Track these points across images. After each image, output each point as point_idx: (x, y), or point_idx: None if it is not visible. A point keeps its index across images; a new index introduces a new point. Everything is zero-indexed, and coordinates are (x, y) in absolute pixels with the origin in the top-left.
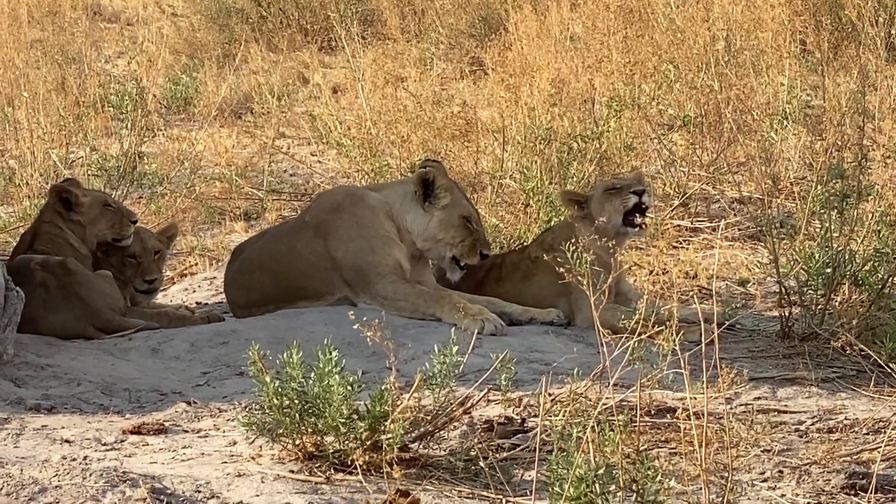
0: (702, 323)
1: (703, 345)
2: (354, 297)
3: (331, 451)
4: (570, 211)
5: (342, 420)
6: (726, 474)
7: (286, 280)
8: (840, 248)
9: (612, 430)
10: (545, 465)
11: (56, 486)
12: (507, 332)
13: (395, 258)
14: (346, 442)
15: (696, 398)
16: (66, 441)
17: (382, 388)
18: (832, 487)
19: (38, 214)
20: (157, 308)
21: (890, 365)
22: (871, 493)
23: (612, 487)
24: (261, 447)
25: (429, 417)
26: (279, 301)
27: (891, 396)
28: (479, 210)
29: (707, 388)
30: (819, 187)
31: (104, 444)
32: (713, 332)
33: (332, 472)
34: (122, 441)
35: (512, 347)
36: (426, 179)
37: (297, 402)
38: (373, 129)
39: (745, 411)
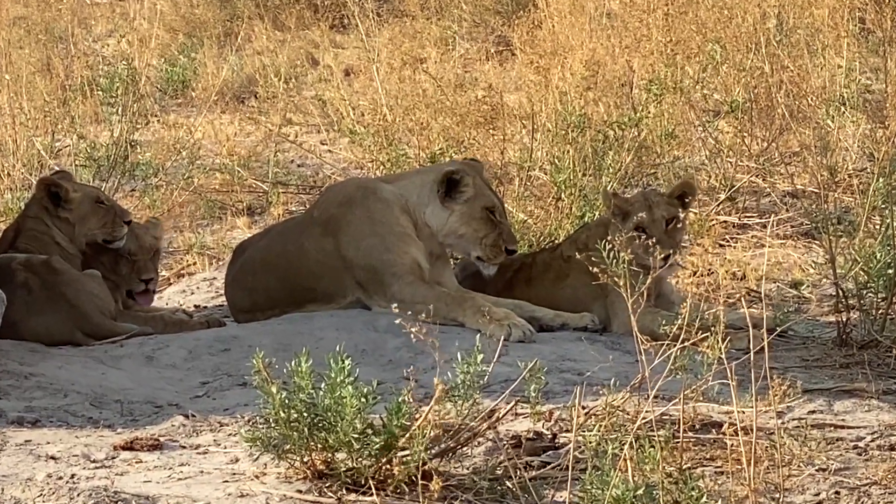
0: (750, 329)
1: (751, 353)
2: (368, 299)
3: (342, 469)
4: (606, 207)
5: (355, 435)
6: (777, 495)
7: (293, 281)
8: None
9: (652, 446)
10: (578, 485)
11: None
12: (536, 338)
13: (411, 257)
14: (360, 459)
15: (744, 412)
16: (52, 458)
17: (400, 399)
18: None
19: (22, 209)
20: (152, 312)
21: None
22: None
23: None
24: (266, 465)
25: (451, 432)
26: (285, 304)
27: None
28: (506, 204)
29: (756, 400)
30: (880, 180)
31: (93, 462)
32: (763, 340)
33: (344, 492)
34: (113, 458)
35: (542, 355)
36: (452, 178)
37: (305, 415)
38: (389, 115)
39: (798, 426)
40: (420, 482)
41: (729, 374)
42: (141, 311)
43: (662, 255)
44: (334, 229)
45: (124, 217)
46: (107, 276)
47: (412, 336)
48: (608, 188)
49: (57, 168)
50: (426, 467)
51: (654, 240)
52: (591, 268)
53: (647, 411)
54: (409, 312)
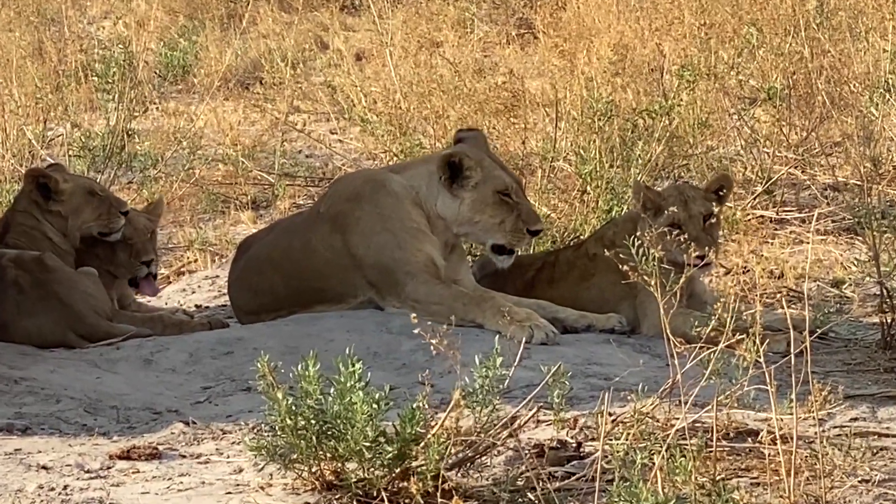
0: (791, 331)
1: (791, 356)
2: (380, 300)
3: (353, 480)
4: (636, 201)
5: (367, 444)
6: None
7: (300, 281)
8: None
9: (684, 456)
10: (605, 497)
11: None
12: (559, 340)
13: (425, 254)
14: (372, 469)
15: (782, 419)
16: (44, 468)
17: (414, 406)
18: None
19: (12, 203)
20: (151, 312)
21: None
22: None
23: None
24: (271, 475)
25: (468, 441)
26: (292, 305)
27: None
28: (529, 197)
29: (796, 407)
30: None
31: (88, 472)
32: (803, 342)
33: None
34: (109, 468)
35: (566, 359)
36: (452, 162)
37: (313, 422)
38: (403, 102)
39: (839, 434)
40: (438, 494)
41: (767, 379)
42: (138, 312)
43: (699, 255)
44: (343, 226)
45: (120, 207)
46: (104, 267)
47: (427, 339)
48: (638, 181)
49: (49, 159)
50: (442, 479)
51: (692, 237)
52: (618, 266)
53: (678, 418)
54: (425, 313)
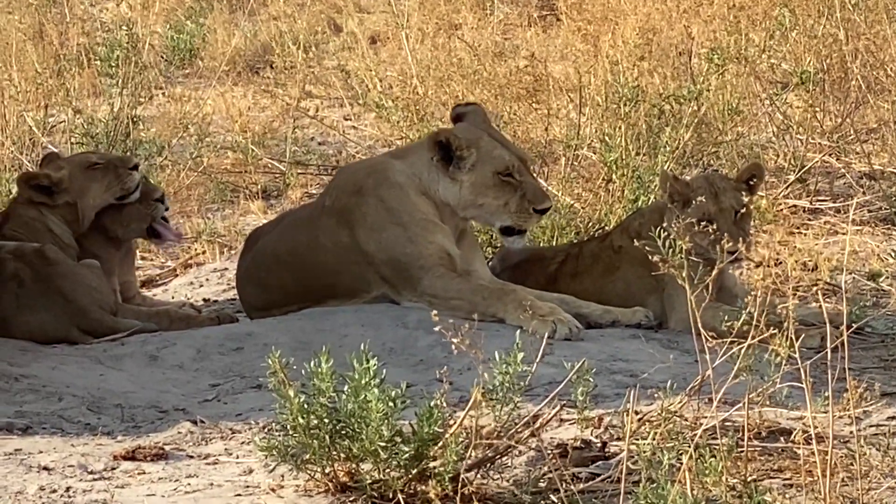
0: (828, 325)
1: (827, 352)
2: (395, 295)
3: (368, 481)
4: (663, 191)
5: (382, 444)
6: None
7: (310, 277)
8: None
9: (714, 456)
10: (631, 499)
11: None
12: (583, 336)
13: (438, 245)
14: (387, 470)
15: (816, 418)
16: (45, 468)
17: (432, 404)
18: None
19: (14, 196)
20: (156, 306)
21: None
22: None
23: None
24: (283, 476)
25: (488, 440)
26: (303, 301)
27: None
28: (551, 187)
29: (831, 405)
30: None
31: (91, 473)
32: (838, 337)
33: None
34: (114, 469)
35: (590, 355)
36: (440, 142)
37: (326, 421)
38: (420, 87)
39: (876, 434)
40: (457, 497)
41: (803, 376)
42: (143, 306)
43: (732, 249)
44: (349, 221)
45: (128, 164)
46: (117, 233)
47: (448, 339)
48: (666, 169)
49: (51, 147)
50: (461, 480)
51: (723, 231)
52: (645, 258)
53: (707, 417)
54: (444, 308)
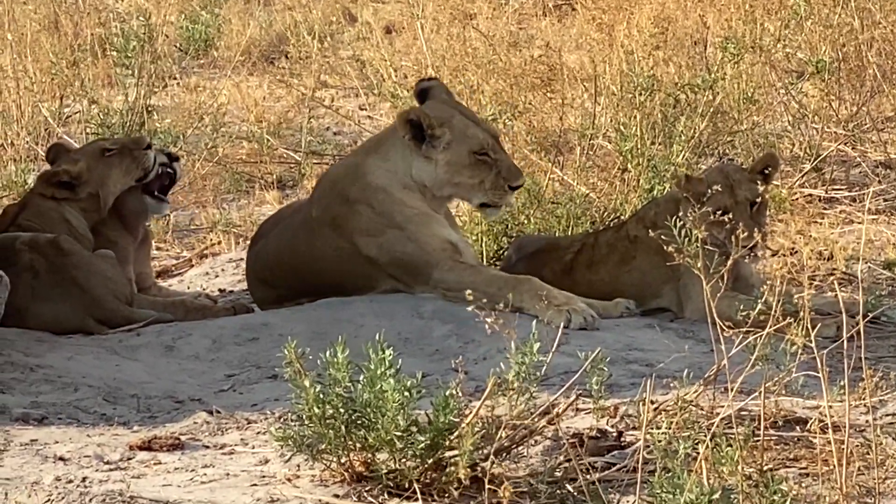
0: (843, 314)
1: (843, 341)
2: (408, 288)
3: (384, 471)
4: (676, 183)
5: (398, 433)
6: (871, 500)
7: (316, 280)
8: None
9: (730, 445)
10: (647, 488)
11: None
12: (599, 325)
13: (439, 237)
14: (403, 460)
15: (832, 407)
16: (61, 459)
17: (447, 393)
18: None
19: (32, 186)
20: (172, 296)
21: None
22: None
23: None
24: (298, 466)
25: (504, 430)
26: (313, 297)
27: None
28: (566, 176)
29: (847, 394)
30: None
31: (107, 463)
32: (854, 326)
33: (386, 496)
34: (129, 459)
35: (606, 344)
36: (411, 121)
37: (342, 411)
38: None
39: (892, 423)
40: (474, 485)
41: (819, 365)
42: (159, 296)
43: (749, 243)
44: (345, 229)
45: (141, 145)
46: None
47: (482, 318)
48: (679, 171)
49: (67, 137)
50: (478, 470)
51: (739, 224)
52: (661, 248)
53: (723, 406)
54: (459, 301)
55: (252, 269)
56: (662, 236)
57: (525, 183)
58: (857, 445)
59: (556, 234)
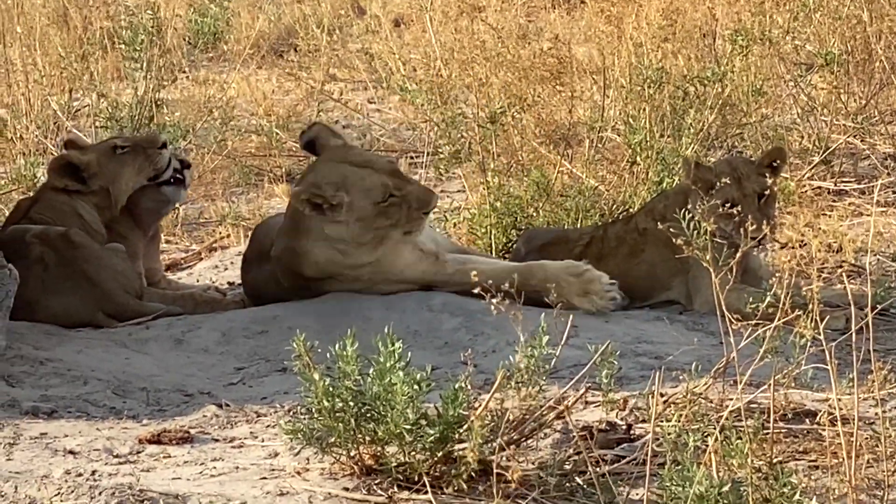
0: (852, 307)
1: (852, 333)
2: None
3: (393, 464)
4: (686, 177)
5: (407, 426)
6: (880, 492)
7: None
8: None
9: (739, 438)
10: (656, 481)
11: None
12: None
13: (415, 258)
14: (413, 453)
15: (842, 399)
16: (71, 452)
17: (457, 386)
18: None
19: (45, 181)
20: (182, 289)
21: None
22: None
23: None
24: (308, 460)
25: (514, 423)
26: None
27: None
28: (575, 169)
29: (856, 386)
30: None
31: (116, 457)
32: (863, 318)
33: (395, 489)
34: (139, 452)
35: (615, 337)
36: (307, 200)
37: (352, 404)
38: (443, 70)
39: None
40: (483, 478)
41: (828, 358)
42: (168, 289)
43: (757, 235)
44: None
45: (156, 143)
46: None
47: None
48: (688, 156)
49: (75, 131)
50: (487, 463)
51: (747, 216)
52: (670, 240)
53: (733, 399)
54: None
55: (252, 286)
56: (671, 229)
57: (437, 203)
58: (867, 438)
59: (565, 227)
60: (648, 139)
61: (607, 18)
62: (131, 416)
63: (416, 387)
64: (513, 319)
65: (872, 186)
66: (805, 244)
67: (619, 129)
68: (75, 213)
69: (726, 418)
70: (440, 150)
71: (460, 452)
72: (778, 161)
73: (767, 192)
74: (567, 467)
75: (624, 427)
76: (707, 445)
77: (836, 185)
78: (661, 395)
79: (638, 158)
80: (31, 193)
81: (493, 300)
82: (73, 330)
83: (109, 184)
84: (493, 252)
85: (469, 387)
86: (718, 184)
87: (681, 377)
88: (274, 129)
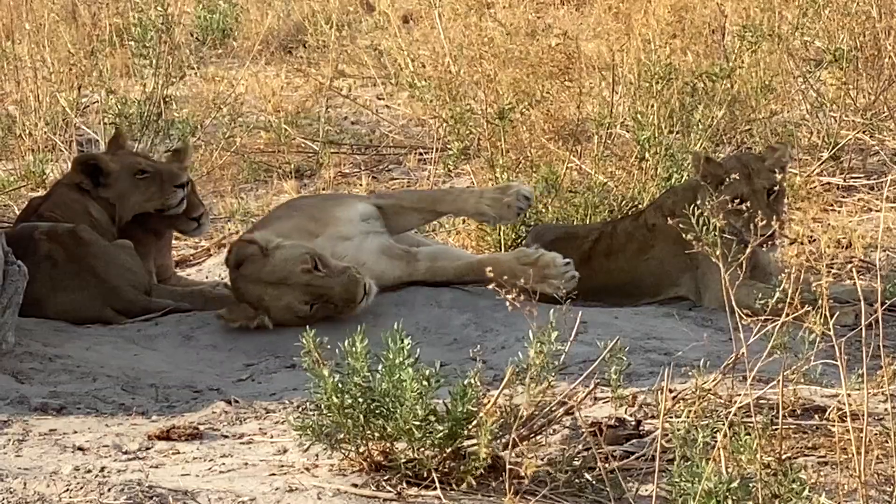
0: (862, 302)
1: (862, 329)
2: None
3: (402, 460)
4: (696, 171)
5: (416, 423)
6: (889, 488)
7: None
8: None
9: (748, 434)
10: (665, 477)
11: None
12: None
13: (395, 275)
14: (422, 449)
15: (851, 395)
16: (80, 449)
17: (466, 383)
18: None
19: (59, 178)
20: (190, 286)
21: None
22: None
23: None
24: (317, 456)
25: (523, 419)
26: None
27: None
28: (584, 165)
29: (866, 382)
30: None
31: (125, 453)
32: (872, 314)
33: (405, 485)
34: (148, 449)
35: (624, 333)
36: (238, 259)
37: (361, 400)
38: (452, 66)
39: None
40: (492, 474)
41: (837, 353)
42: (178, 286)
43: (767, 232)
44: None
45: (174, 181)
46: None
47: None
48: (698, 150)
49: (84, 128)
50: (496, 459)
51: (756, 212)
52: (679, 236)
53: (742, 395)
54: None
55: None
56: (681, 225)
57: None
58: (876, 434)
59: (575, 223)
60: (657, 135)
61: (616, 15)
62: (140, 412)
63: (425, 383)
64: (526, 315)
65: (881, 182)
66: (814, 240)
67: (628, 125)
68: (86, 211)
69: (735, 414)
70: (449, 147)
71: (469, 449)
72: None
73: (777, 188)
74: (576, 463)
75: (633, 423)
76: (716, 441)
77: (845, 181)
78: (671, 391)
79: (647, 154)
80: (41, 190)
81: (508, 296)
82: (81, 326)
83: (117, 200)
84: (503, 248)
85: (478, 383)
86: (727, 180)
87: (690, 373)
88: (283, 125)
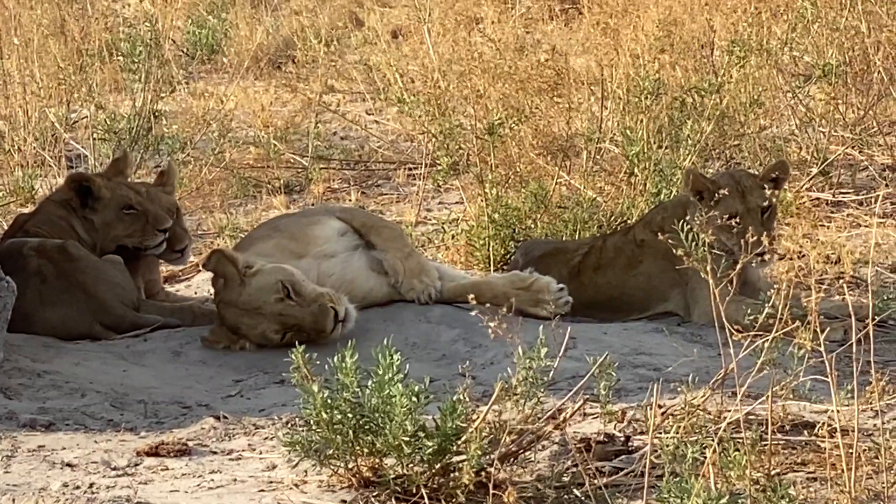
0: (852, 318)
1: (852, 344)
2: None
3: (391, 476)
4: (686, 188)
5: (405, 438)
6: None
7: None
8: None
9: (738, 450)
10: (655, 493)
11: None
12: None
13: (383, 292)
14: (411, 465)
15: (840, 411)
16: (69, 465)
17: (455, 398)
18: None
19: (47, 195)
20: (180, 301)
21: None
22: None
23: None
24: (306, 472)
25: (512, 435)
26: None
27: None
28: (573, 181)
29: (856, 398)
30: None
31: (114, 469)
32: (862, 330)
33: (393, 501)
34: (137, 465)
35: (613, 349)
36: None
37: (350, 416)
38: (441, 81)
39: None
40: (481, 490)
41: (827, 369)
42: (167, 301)
43: (759, 252)
44: None
45: (158, 224)
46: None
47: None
48: (689, 166)
49: (73, 143)
50: (485, 474)
51: (748, 229)
52: (668, 252)
53: (731, 411)
54: None
55: None
56: (670, 240)
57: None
58: (866, 449)
59: (563, 238)
60: (646, 150)
61: (604, 30)
62: (129, 428)
63: (414, 399)
64: (511, 334)
65: (871, 197)
66: (804, 255)
67: (617, 140)
68: (71, 228)
69: (724, 430)
70: (438, 162)
71: (458, 465)
72: (779, 174)
73: (769, 206)
74: (565, 479)
75: (622, 439)
76: (705, 457)
77: (834, 196)
78: (660, 407)
79: (636, 170)
80: (30, 206)
81: (494, 318)
82: (70, 342)
83: (100, 227)
84: (492, 264)
85: (467, 399)
86: (718, 195)
87: (679, 389)
88: (272, 140)
